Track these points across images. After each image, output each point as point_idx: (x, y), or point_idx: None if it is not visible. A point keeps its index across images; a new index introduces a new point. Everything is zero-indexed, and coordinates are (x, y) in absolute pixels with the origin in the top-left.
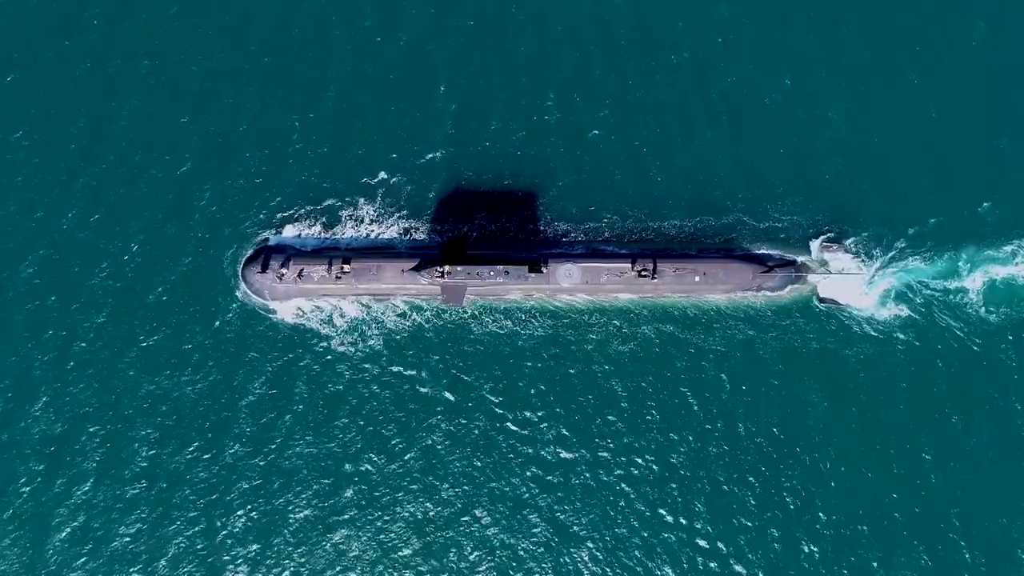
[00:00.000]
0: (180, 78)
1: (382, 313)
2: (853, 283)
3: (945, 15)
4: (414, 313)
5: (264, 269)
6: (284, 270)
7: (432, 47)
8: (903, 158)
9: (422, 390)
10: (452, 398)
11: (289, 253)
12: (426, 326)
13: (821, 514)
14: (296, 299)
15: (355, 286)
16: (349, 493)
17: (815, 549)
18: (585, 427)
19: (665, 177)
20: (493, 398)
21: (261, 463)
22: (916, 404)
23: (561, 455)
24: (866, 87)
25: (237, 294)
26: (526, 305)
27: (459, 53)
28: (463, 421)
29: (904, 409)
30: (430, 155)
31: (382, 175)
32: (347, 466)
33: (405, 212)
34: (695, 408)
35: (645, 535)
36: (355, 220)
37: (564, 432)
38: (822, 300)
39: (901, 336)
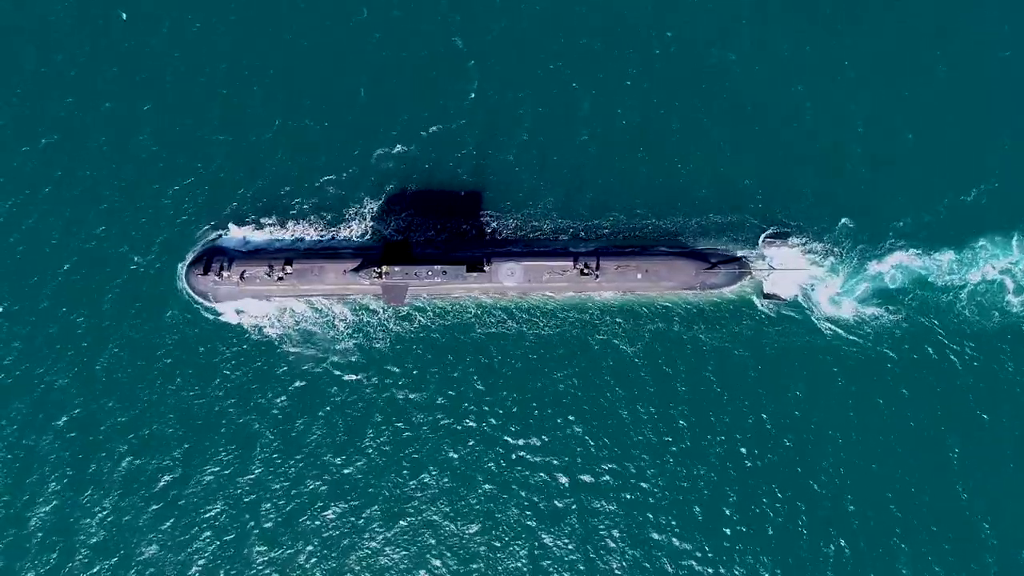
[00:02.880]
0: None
1: (386, 318)
2: (798, 278)
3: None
4: (418, 315)
5: (207, 271)
6: (225, 272)
7: (383, 49)
8: (863, 151)
9: (422, 396)
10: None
11: (231, 255)
12: (432, 327)
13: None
14: (240, 300)
15: (297, 287)
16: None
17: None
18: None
19: (616, 175)
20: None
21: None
22: (875, 406)
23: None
24: (840, 76)
25: (185, 297)
26: (524, 304)
27: (404, 54)
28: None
29: (854, 409)
30: (377, 152)
31: (329, 177)
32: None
33: (350, 213)
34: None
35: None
36: (301, 221)
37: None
38: (766, 296)
39: (867, 336)
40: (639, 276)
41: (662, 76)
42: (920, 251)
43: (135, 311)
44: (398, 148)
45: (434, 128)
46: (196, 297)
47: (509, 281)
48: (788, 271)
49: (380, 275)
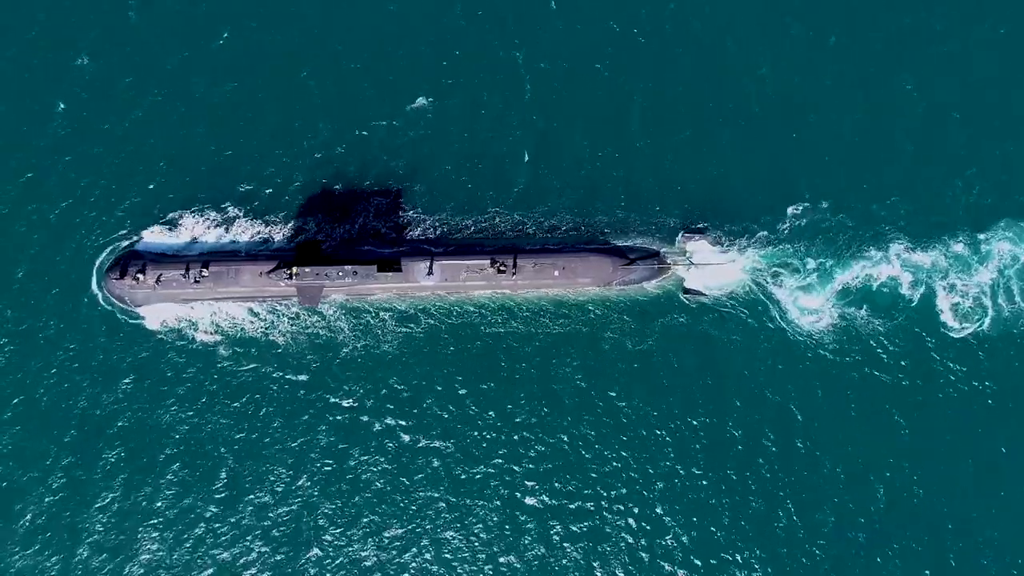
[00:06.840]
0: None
1: (386, 323)
2: (719, 273)
3: None
4: (423, 316)
5: (123, 275)
6: (142, 275)
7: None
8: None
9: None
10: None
11: (147, 258)
12: (441, 328)
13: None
14: (161, 304)
15: (214, 290)
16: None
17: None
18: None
19: (541, 172)
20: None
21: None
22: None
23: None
24: (795, 56)
25: (101, 301)
26: (522, 303)
27: (332, 50)
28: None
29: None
30: (310, 156)
31: (250, 179)
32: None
33: (269, 215)
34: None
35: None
36: (220, 223)
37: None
38: (687, 291)
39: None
40: (556, 273)
41: (595, 71)
42: (863, 248)
43: (50, 318)
44: (322, 154)
45: (360, 131)
46: (114, 301)
47: (426, 280)
48: (708, 266)
49: (291, 276)
